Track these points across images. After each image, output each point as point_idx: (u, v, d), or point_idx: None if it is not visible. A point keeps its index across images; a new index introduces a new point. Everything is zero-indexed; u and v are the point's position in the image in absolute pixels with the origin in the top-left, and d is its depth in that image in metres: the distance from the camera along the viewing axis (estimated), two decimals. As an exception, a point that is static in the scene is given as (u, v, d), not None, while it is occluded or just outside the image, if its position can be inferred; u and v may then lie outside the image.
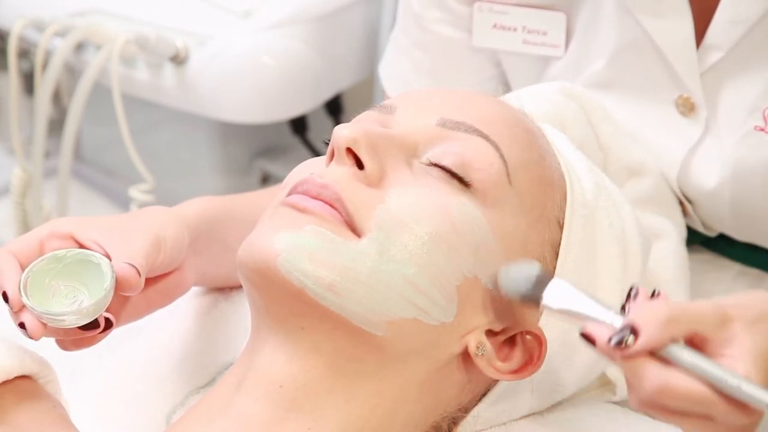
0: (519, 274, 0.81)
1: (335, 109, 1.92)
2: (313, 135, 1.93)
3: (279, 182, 0.92)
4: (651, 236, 1.03)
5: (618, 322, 0.74)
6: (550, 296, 0.78)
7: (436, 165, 0.85)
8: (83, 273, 0.84)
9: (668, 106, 1.08)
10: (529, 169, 0.87)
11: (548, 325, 0.86)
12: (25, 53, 1.98)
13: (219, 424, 0.83)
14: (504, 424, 0.90)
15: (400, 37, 1.25)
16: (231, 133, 1.93)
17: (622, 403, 0.99)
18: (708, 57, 1.04)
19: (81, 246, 0.86)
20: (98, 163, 2.14)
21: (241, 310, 1.03)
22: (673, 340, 0.72)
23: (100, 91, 1.73)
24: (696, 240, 1.16)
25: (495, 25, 1.16)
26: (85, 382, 0.99)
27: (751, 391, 0.71)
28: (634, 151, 1.09)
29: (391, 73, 1.27)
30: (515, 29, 1.15)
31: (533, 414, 0.92)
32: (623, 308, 0.75)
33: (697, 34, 1.04)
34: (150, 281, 0.90)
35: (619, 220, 0.92)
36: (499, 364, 0.85)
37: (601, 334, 0.74)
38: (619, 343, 0.72)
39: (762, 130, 1.03)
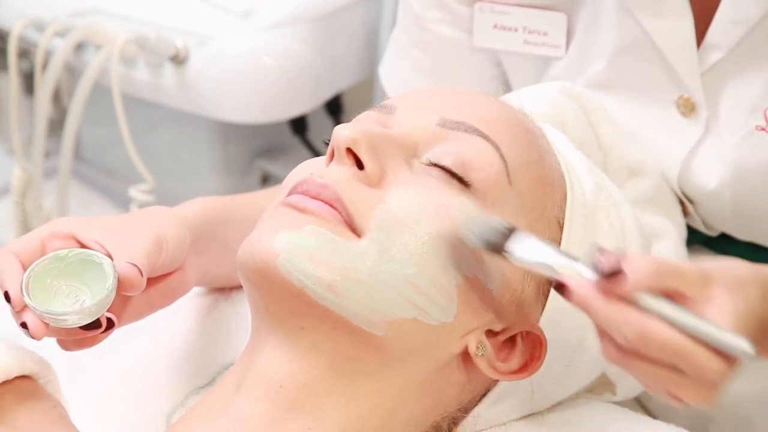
0: (485, 224, 0.80)
1: (335, 109, 1.92)
2: (313, 135, 1.93)
3: (279, 182, 0.93)
4: (651, 236, 1.03)
5: (587, 272, 0.74)
6: (516, 246, 0.78)
7: (436, 165, 0.85)
8: (85, 273, 0.84)
9: (669, 106, 1.08)
10: (529, 169, 0.87)
11: (548, 326, 0.86)
12: (25, 53, 1.98)
13: (219, 424, 0.83)
14: (504, 424, 0.90)
15: (401, 37, 1.25)
16: (231, 133, 1.93)
17: (622, 403, 0.99)
18: (708, 57, 1.04)
19: (83, 246, 0.86)
20: (98, 163, 2.14)
21: (242, 311, 1.03)
22: (653, 291, 0.73)
23: (100, 91, 1.73)
24: (697, 240, 1.16)
25: (496, 26, 1.16)
26: (85, 382, 0.99)
27: (730, 337, 0.72)
28: (634, 151, 1.09)
29: (391, 73, 1.27)
30: (516, 29, 1.15)
31: (533, 414, 0.92)
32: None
33: (698, 34, 1.04)
34: (151, 281, 0.90)
35: (619, 220, 0.92)
36: (499, 364, 0.85)
37: (575, 283, 0.74)
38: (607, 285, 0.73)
39: (763, 129, 1.03)
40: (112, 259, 0.84)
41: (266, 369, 0.83)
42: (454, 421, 0.88)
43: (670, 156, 1.09)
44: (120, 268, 0.84)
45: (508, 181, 0.85)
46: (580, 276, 0.75)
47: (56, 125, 1.97)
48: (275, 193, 0.88)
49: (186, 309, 1.04)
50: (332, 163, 0.84)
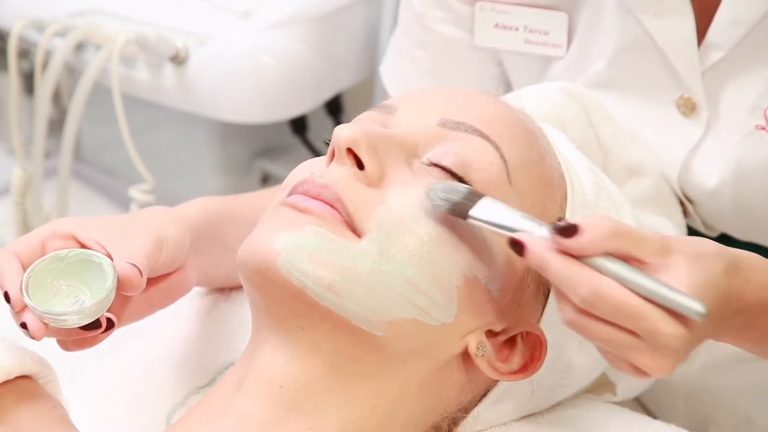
0: (450, 187, 0.81)
1: (335, 109, 1.92)
2: (313, 135, 1.93)
3: (279, 182, 0.93)
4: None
5: (545, 232, 0.75)
6: (480, 209, 0.79)
7: (436, 165, 0.85)
8: (85, 273, 0.84)
9: (669, 106, 1.08)
10: (530, 169, 0.87)
11: (549, 326, 0.86)
12: (25, 53, 1.98)
13: (219, 424, 0.83)
14: (504, 424, 0.91)
15: (402, 37, 1.25)
16: (231, 133, 1.93)
17: (622, 403, 0.99)
18: (709, 56, 1.04)
19: (82, 246, 0.86)
20: (98, 163, 2.14)
21: (242, 311, 1.03)
22: (610, 254, 0.73)
23: (100, 91, 1.73)
24: (696, 240, 1.16)
25: (497, 25, 1.16)
26: (85, 382, 0.99)
27: (684, 298, 0.72)
28: (634, 151, 1.09)
29: (392, 73, 1.27)
30: (517, 29, 1.15)
31: (533, 414, 0.92)
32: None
33: (698, 34, 1.05)
34: (152, 281, 0.90)
35: (619, 220, 0.92)
36: (499, 364, 0.85)
37: (531, 241, 0.75)
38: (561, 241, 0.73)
39: (763, 129, 1.03)
40: (112, 259, 0.84)
41: (266, 369, 0.83)
42: (454, 421, 0.88)
43: (670, 156, 1.09)
44: (120, 268, 0.84)
45: (509, 181, 0.85)
46: (536, 235, 0.75)
47: (56, 125, 1.97)
48: (275, 193, 0.88)
49: (186, 309, 1.04)
50: (332, 163, 0.84)
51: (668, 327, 0.73)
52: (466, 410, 0.88)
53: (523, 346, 0.86)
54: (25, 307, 0.82)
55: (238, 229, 0.96)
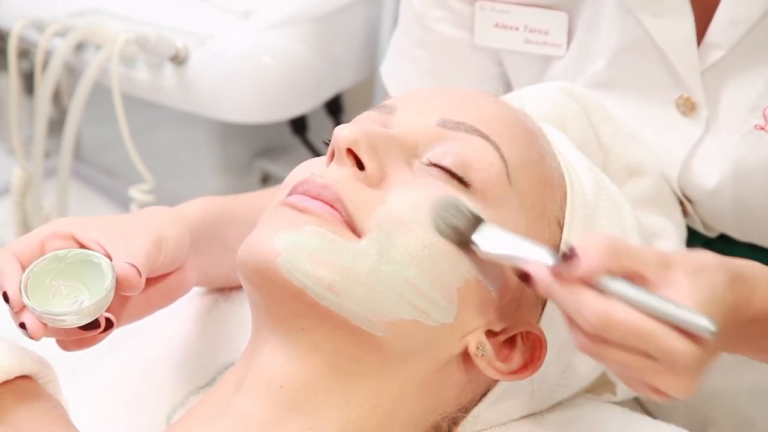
0: (453, 207, 0.81)
1: (335, 109, 1.92)
2: (313, 135, 1.93)
3: (279, 182, 0.93)
4: (651, 236, 1.03)
5: (548, 259, 0.74)
6: (481, 238, 0.78)
7: (436, 165, 0.85)
8: (84, 273, 0.84)
9: (669, 105, 1.08)
10: (529, 169, 0.87)
11: (548, 326, 0.86)
12: (25, 53, 1.98)
13: (219, 424, 0.83)
14: (504, 424, 0.90)
15: (402, 37, 1.25)
16: (231, 133, 1.93)
17: (622, 403, 0.99)
18: (708, 56, 1.04)
19: (82, 246, 0.86)
20: (98, 163, 2.14)
21: (242, 311, 1.03)
22: (612, 273, 0.72)
23: (100, 91, 1.73)
24: (697, 241, 1.16)
25: (497, 24, 1.16)
26: (85, 382, 0.99)
27: (693, 316, 0.71)
28: (634, 151, 1.09)
29: (392, 73, 1.27)
30: (517, 28, 1.15)
31: (533, 414, 0.92)
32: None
33: (698, 34, 1.04)
34: (151, 281, 0.90)
35: (619, 220, 0.92)
36: (499, 364, 0.85)
37: (538, 271, 0.74)
38: (561, 270, 0.72)
39: (762, 128, 1.03)
40: (111, 260, 0.84)
41: (266, 369, 0.83)
42: (454, 421, 0.88)
43: (670, 155, 1.09)
44: (118, 269, 0.84)
45: (508, 181, 0.85)
46: (542, 263, 0.74)
47: (56, 125, 1.97)
48: (275, 193, 0.88)
49: (186, 309, 1.04)
50: (332, 163, 0.84)
51: (680, 346, 0.71)
52: (466, 410, 0.88)
53: (523, 346, 0.86)
54: (24, 307, 0.82)
55: (238, 229, 0.96)
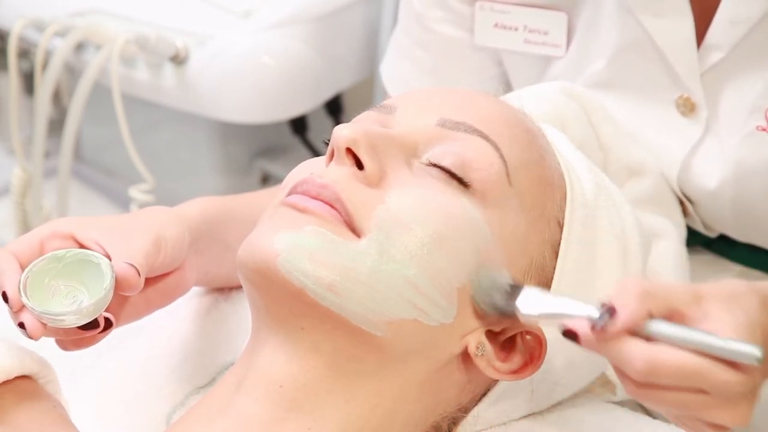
0: (493, 286, 0.82)
1: (335, 109, 1.92)
2: (313, 135, 1.93)
3: (279, 182, 0.93)
4: (651, 236, 1.03)
5: (594, 313, 0.74)
6: (522, 303, 0.79)
7: (435, 165, 0.85)
8: (83, 273, 0.84)
9: (669, 106, 1.08)
10: (529, 169, 0.87)
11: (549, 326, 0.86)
12: (25, 53, 1.98)
13: (219, 424, 0.83)
14: (504, 424, 0.90)
15: (402, 37, 1.25)
16: (231, 133, 1.93)
17: (622, 403, 0.99)
18: (708, 57, 1.04)
19: (81, 246, 0.86)
20: (98, 163, 2.14)
21: (241, 311, 1.03)
22: (651, 316, 0.72)
23: (100, 91, 1.73)
24: (697, 241, 1.16)
25: (496, 25, 1.16)
26: (85, 382, 0.99)
27: (739, 346, 0.71)
28: (634, 151, 1.09)
29: (392, 73, 1.27)
30: (517, 29, 1.15)
31: (533, 414, 0.92)
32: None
33: (698, 34, 1.04)
34: (150, 281, 0.90)
35: (619, 220, 0.92)
36: (498, 364, 0.85)
37: (582, 327, 0.74)
38: (603, 327, 0.72)
39: (764, 130, 1.03)
40: (110, 259, 0.84)
41: (266, 369, 0.83)
42: (454, 421, 0.88)
43: (670, 156, 1.09)
44: (118, 269, 0.84)
45: (508, 181, 0.85)
46: (588, 319, 0.74)
47: (56, 125, 1.97)
48: (275, 193, 0.88)
49: (186, 309, 1.04)
50: (332, 163, 0.84)
51: (730, 377, 0.71)
52: (466, 410, 0.88)
53: (522, 346, 0.85)
54: (23, 307, 0.82)
55: (237, 229, 0.96)
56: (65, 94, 2.10)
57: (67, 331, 0.83)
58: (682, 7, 1.04)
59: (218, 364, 1.00)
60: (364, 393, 0.83)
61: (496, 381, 0.88)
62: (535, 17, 1.14)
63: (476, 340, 0.83)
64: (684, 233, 1.11)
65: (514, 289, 0.80)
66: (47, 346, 0.87)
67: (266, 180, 1.98)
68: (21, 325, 0.82)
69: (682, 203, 1.12)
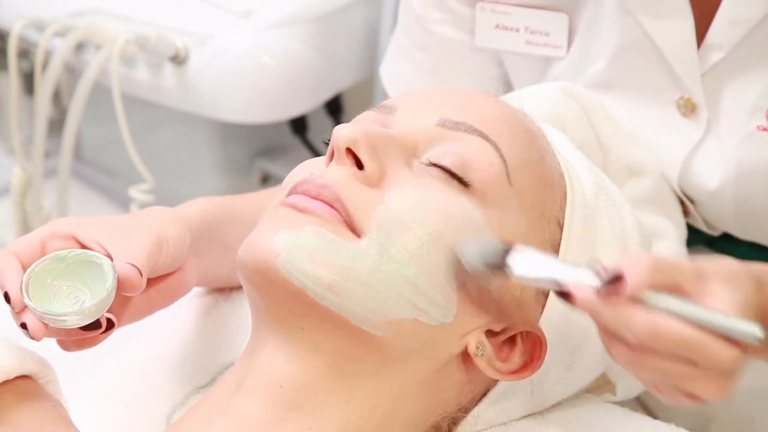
0: (482, 245, 0.80)
1: (335, 109, 1.92)
2: (313, 135, 1.93)
3: (279, 182, 0.93)
4: (651, 236, 1.03)
5: (589, 279, 0.74)
6: (515, 262, 0.78)
7: (435, 165, 0.85)
8: (85, 273, 0.84)
9: (669, 106, 1.08)
10: (529, 169, 0.87)
11: (548, 326, 0.86)
12: (25, 53, 1.98)
13: (219, 424, 0.83)
14: (504, 424, 0.90)
15: (402, 38, 1.25)
16: (231, 133, 1.93)
17: (622, 403, 0.99)
18: (709, 57, 1.04)
19: (83, 246, 0.86)
20: (98, 163, 2.14)
21: (242, 311, 1.03)
22: (655, 288, 0.73)
23: (100, 91, 1.73)
24: (699, 240, 1.16)
25: (497, 26, 1.16)
26: (85, 382, 0.99)
27: (741, 324, 0.72)
28: (634, 151, 1.09)
29: (392, 74, 1.27)
30: (518, 30, 1.15)
31: (533, 414, 0.92)
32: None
33: (698, 35, 1.04)
34: (152, 281, 0.90)
35: (619, 220, 0.92)
36: (499, 364, 0.85)
37: (578, 289, 0.74)
38: (608, 291, 0.72)
39: (765, 129, 1.03)
40: (112, 260, 0.84)
41: (266, 369, 0.83)
42: (454, 421, 0.88)
43: (670, 156, 1.09)
44: (120, 269, 0.84)
45: (508, 181, 0.85)
46: (582, 284, 0.74)
47: (56, 125, 1.97)
48: (275, 193, 0.88)
49: (186, 309, 1.04)
50: (332, 163, 0.84)
51: (727, 352, 0.72)
52: (466, 410, 0.88)
53: (523, 346, 0.86)
54: (25, 307, 0.82)
55: (238, 229, 0.96)
56: (65, 94, 2.10)
57: (68, 331, 0.83)
58: (682, 8, 1.04)
59: (218, 364, 1.00)
60: (364, 393, 0.83)
61: (496, 381, 0.88)
62: (536, 18, 1.13)
63: (476, 339, 0.84)
64: (684, 233, 1.11)
65: (506, 249, 0.79)
66: (47, 346, 0.87)
67: (266, 180, 1.98)
68: (23, 326, 0.82)
69: (682, 203, 1.12)
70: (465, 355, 0.84)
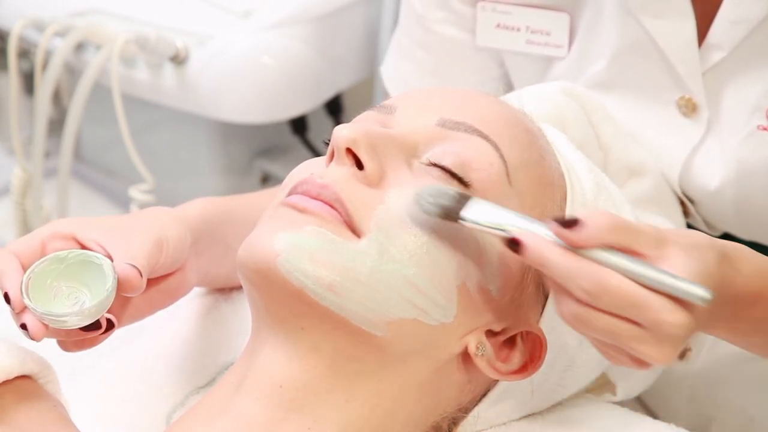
0: (438, 191, 0.81)
1: (335, 109, 1.93)
2: (313, 135, 1.93)
3: (279, 182, 0.93)
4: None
5: (542, 231, 0.75)
6: (471, 211, 0.78)
7: (435, 165, 0.85)
8: (85, 274, 0.84)
9: (670, 106, 1.08)
10: (529, 169, 0.87)
11: (549, 326, 0.86)
12: (25, 53, 1.98)
13: (219, 424, 0.83)
14: (504, 424, 0.91)
15: (403, 37, 1.25)
16: (231, 133, 1.93)
17: (622, 403, 0.99)
18: (710, 57, 1.04)
19: (83, 247, 0.86)
20: (98, 163, 2.14)
21: (242, 311, 1.03)
22: (610, 247, 0.74)
23: (100, 91, 1.73)
24: (699, 240, 1.16)
25: (498, 25, 1.16)
26: (85, 382, 0.99)
27: (688, 285, 0.73)
28: (634, 151, 1.09)
29: (393, 73, 1.27)
30: (519, 29, 1.15)
31: (533, 414, 0.92)
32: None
33: (699, 35, 1.04)
34: (152, 282, 0.90)
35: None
36: (499, 364, 0.85)
37: (529, 239, 0.75)
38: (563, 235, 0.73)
39: (765, 129, 1.03)
40: (112, 260, 0.84)
41: (266, 369, 0.83)
42: (454, 421, 0.88)
43: (670, 156, 1.09)
44: (120, 270, 0.84)
45: (508, 181, 0.85)
46: (534, 233, 0.75)
47: (56, 125, 1.97)
48: (275, 193, 0.88)
49: (186, 309, 1.04)
50: (332, 163, 0.84)
51: (671, 315, 0.73)
52: (466, 410, 0.88)
53: (523, 346, 0.86)
54: (25, 308, 0.82)
55: (238, 230, 0.96)
56: (65, 94, 2.10)
57: (69, 332, 0.83)
58: (683, 8, 1.04)
59: (218, 364, 1.00)
60: (364, 393, 0.83)
61: (496, 381, 0.88)
62: (537, 18, 1.13)
63: (476, 339, 0.84)
64: (684, 233, 1.11)
65: (463, 198, 0.80)
66: (47, 346, 0.87)
67: (266, 180, 1.98)
68: (23, 327, 0.81)
69: (682, 203, 1.12)
70: (465, 355, 0.84)
